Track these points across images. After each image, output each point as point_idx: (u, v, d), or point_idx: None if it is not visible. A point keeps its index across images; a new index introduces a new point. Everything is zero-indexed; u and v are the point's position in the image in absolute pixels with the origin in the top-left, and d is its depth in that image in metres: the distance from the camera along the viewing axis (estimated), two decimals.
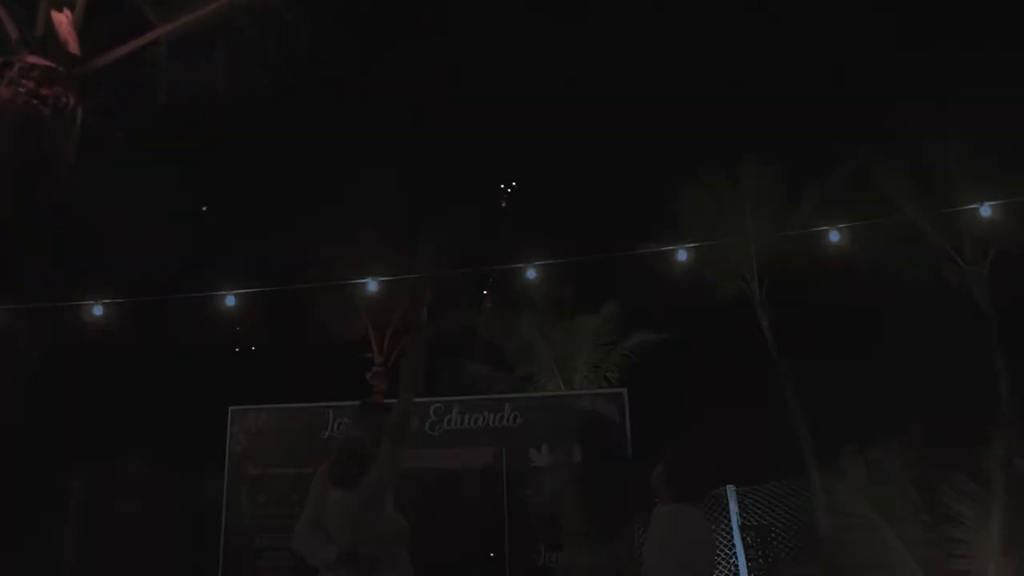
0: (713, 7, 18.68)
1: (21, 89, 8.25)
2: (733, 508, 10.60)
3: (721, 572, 7.87)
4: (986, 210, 9.14)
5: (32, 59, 8.46)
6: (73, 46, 8.68)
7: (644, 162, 17.59)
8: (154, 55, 9.82)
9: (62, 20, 8.47)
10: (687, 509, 3.46)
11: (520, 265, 8.87)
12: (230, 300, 8.86)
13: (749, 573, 8.74)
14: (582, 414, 5.48)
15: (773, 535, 12.45)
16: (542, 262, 8.84)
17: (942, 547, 7.44)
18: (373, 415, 4.03)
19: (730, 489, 11.05)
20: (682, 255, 9.17)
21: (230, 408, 6.52)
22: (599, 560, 3.73)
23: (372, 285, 9.91)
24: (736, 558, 7.60)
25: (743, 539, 9.13)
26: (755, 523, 11.19)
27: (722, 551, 7.64)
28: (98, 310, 8.65)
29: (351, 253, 13.06)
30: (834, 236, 9.14)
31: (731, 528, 8.43)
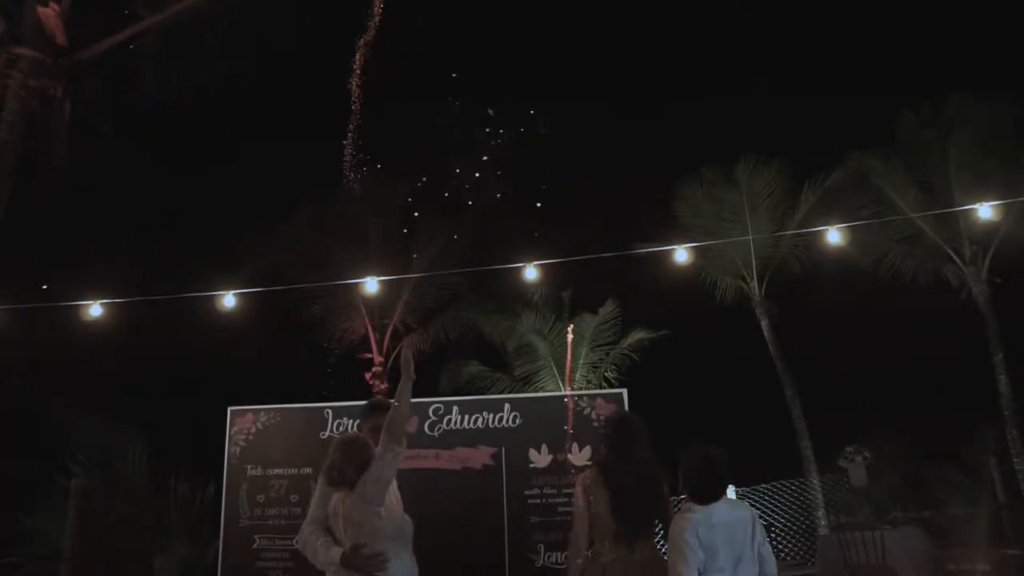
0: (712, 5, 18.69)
1: (9, 81, 8.21)
2: None
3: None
4: (986, 210, 9.14)
5: (19, 51, 8.41)
6: (60, 38, 8.63)
7: (644, 161, 17.59)
8: (143, 47, 9.75)
9: (49, 12, 8.42)
10: (689, 512, 3.48)
11: (520, 265, 8.86)
12: (229, 300, 8.85)
13: None
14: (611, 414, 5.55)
15: (773, 535, 12.48)
16: (542, 262, 8.82)
17: (936, 542, 7.47)
18: (379, 414, 4.01)
19: (730, 489, 11.07)
20: (682, 255, 9.17)
21: (229, 408, 6.51)
22: (627, 556, 3.82)
23: (372, 285, 9.90)
24: None
25: None
26: (762, 526, 11.19)
27: None
28: (96, 310, 8.63)
29: (351, 251, 13.07)
30: (834, 236, 9.14)
31: None
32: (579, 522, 4.07)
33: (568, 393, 6.28)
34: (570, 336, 7.69)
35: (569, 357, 9.66)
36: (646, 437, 4.15)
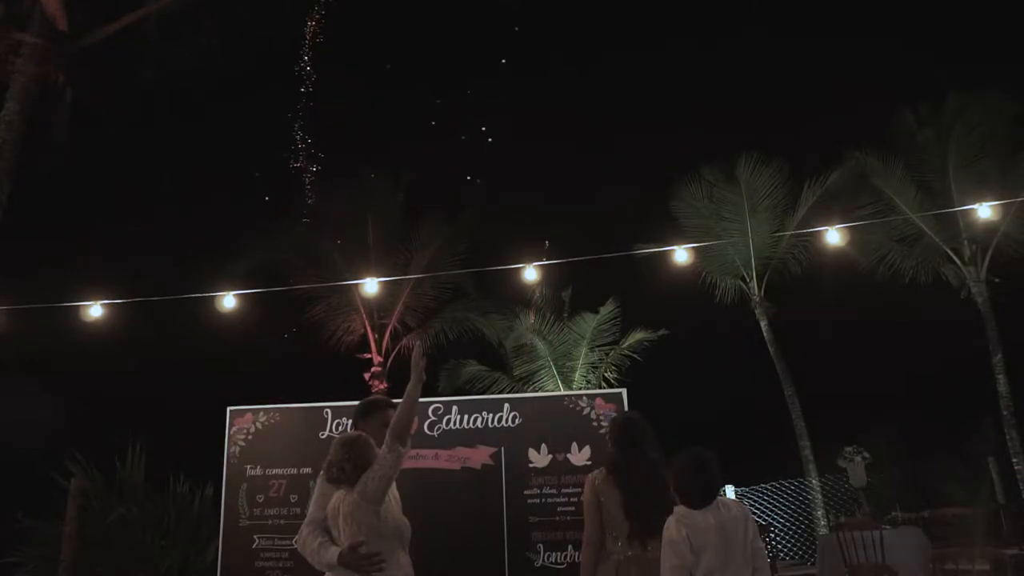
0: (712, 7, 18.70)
1: (10, 67, 8.14)
2: None
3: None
4: (985, 210, 9.15)
5: (20, 37, 8.35)
6: (61, 23, 8.56)
7: (644, 161, 17.59)
8: (145, 32, 9.66)
9: None
10: (680, 515, 3.51)
11: (520, 265, 8.86)
12: (229, 300, 8.85)
13: None
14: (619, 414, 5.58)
15: (773, 535, 12.49)
16: (542, 262, 8.83)
17: (935, 542, 7.49)
18: (378, 413, 4.01)
19: (729, 489, 11.09)
20: (682, 255, 9.17)
21: (228, 408, 6.51)
22: (642, 554, 3.86)
23: (372, 286, 9.90)
24: None
25: None
26: (755, 523, 11.21)
27: None
28: (96, 310, 8.63)
29: (351, 251, 13.06)
30: (833, 236, 9.15)
31: None
32: (591, 521, 4.09)
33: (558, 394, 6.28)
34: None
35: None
36: (654, 437, 4.18)
